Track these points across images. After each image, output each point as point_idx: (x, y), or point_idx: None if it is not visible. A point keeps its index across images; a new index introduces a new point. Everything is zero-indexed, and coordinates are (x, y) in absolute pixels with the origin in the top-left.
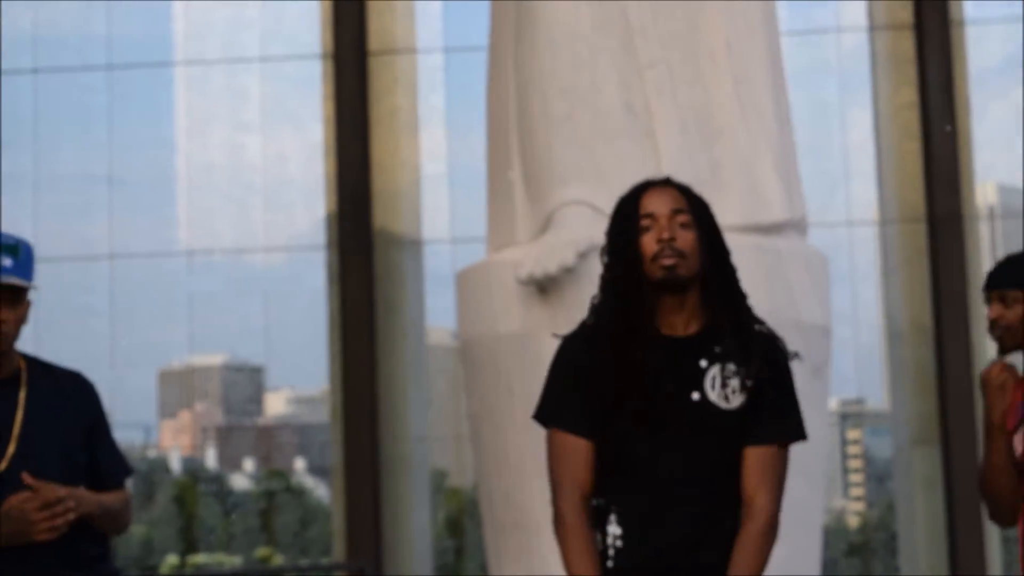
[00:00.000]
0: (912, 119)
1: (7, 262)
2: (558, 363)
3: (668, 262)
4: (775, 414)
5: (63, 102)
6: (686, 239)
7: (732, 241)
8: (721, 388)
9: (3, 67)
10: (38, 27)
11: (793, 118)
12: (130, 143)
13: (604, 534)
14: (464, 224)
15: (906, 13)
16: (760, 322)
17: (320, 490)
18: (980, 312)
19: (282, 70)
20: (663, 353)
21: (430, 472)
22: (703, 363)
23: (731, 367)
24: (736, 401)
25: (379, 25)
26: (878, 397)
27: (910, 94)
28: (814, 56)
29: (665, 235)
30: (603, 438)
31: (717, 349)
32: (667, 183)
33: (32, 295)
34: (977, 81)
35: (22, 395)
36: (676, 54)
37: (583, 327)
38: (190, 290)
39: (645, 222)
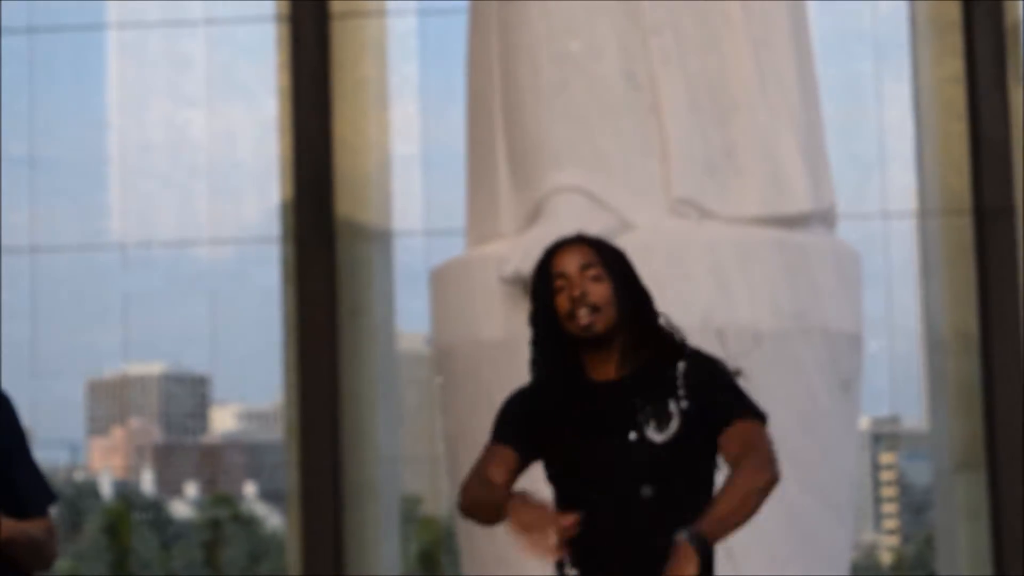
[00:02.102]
0: (957, 95)
1: None
2: (501, 420)
3: (584, 321)
4: (726, 397)
5: None
6: (598, 292)
7: (749, 235)
8: (656, 422)
9: None
10: None
11: (821, 93)
12: (54, 119)
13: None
14: (440, 214)
15: None
16: (692, 351)
17: (273, 519)
18: None
19: (231, 35)
20: (597, 399)
21: (400, 498)
22: (637, 402)
23: (660, 401)
24: (670, 432)
25: None
26: (916, 416)
27: (955, 66)
28: (845, 22)
29: (576, 292)
30: (555, 487)
31: (649, 386)
32: (578, 239)
33: None
34: None
35: None
36: (686, 17)
37: (527, 385)
38: (124, 289)
39: (559, 283)
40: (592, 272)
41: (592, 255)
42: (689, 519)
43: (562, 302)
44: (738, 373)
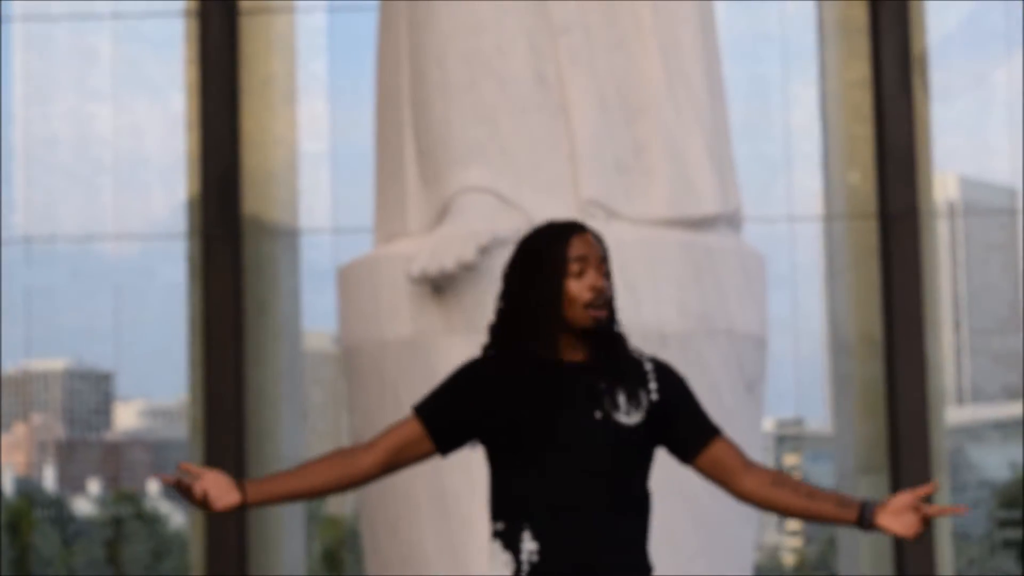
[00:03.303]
0: (864, 98)
1: None
2: (458, 376)
3: (599, 314)
4: (704, 412)
5: None
6: (610, 288)
7: (656, 236)
8: (624, 405)
9: None
10: None
11: (728, 94)
12: None
13: (517, 551)
14: (347, 212)
15: None
16: (650, 355)
17: (176, 517)
18: (937, 322)
19: (138, 29)
20: (566, 376)
21: None
22: (602, 384)
23: (629, 387)
24: (635, 418)
25: None
26: (820, 417)
27: (862, 69)
28: (753, 23)
29: (600, 284)
30: (508, 461)
31: (613, 371)
32: (584, 228)
33: None
34: (939, 55)
35: None
36: (595, 16)
37: (487, 353)
38: (27, 283)
39: (574, 267)
40: (604, 267)
41: (603, 249)
42: (636, 496)
43: (580, 289)
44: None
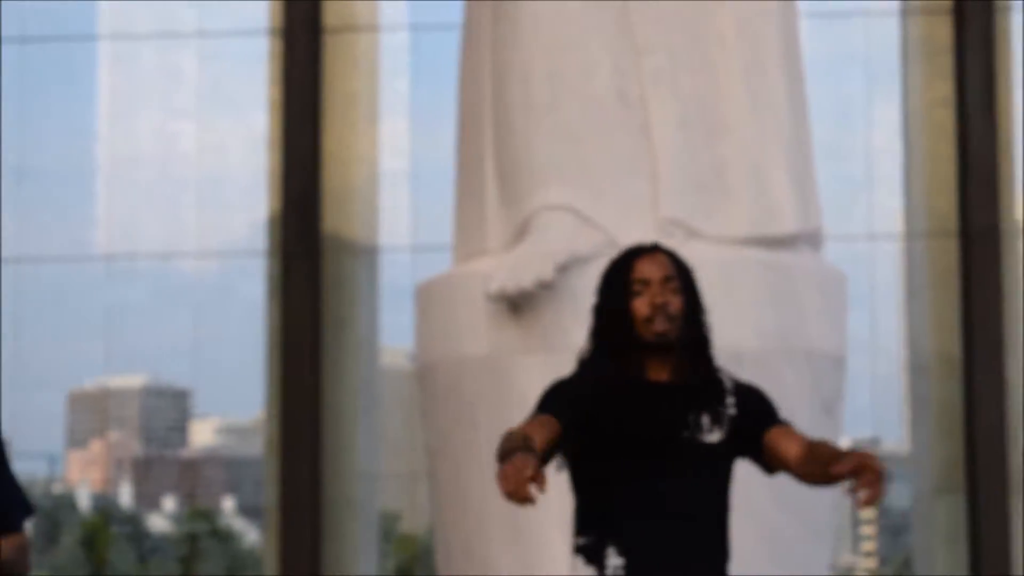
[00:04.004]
0: (946, 118)
1: None
2: (556, 392)
3: (660, 327)
4: (773, 412)
5: None
6: (676, 304)
7: (736, 256)
8: (707, 423)
9: None
10: None
11: (811, 114)
12: (43, 129)
13: (603, 567)
14: (427, 230)
15: None
16: (731, 374)
17: (251, 534)
18: (1016, 342)
19: (223, 48)
20: (654, 397)
21: (379, 514)
22: (685, 403)
23: (710, 405)
24: (717, 435)
25: None
26: (896, 438)
27: (945, 89)
28: (837, 43)
29: (659, 300)
30: (594, 477)
31: (698, 393)
32: (656, 249)
33: None
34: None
35: None
36: (678, 37)
37: (578, 374)
38: (108, 301)
39: (638, 287)
40: (672, 284)
41: (671, 268)
42: (718, 512)
43: (641, 306)
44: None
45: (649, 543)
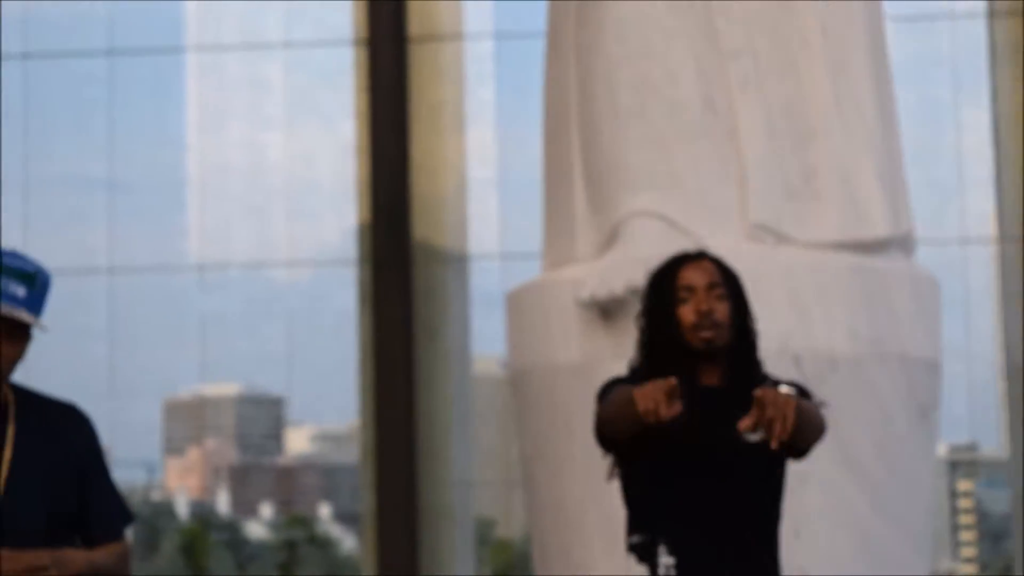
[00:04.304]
0: None
1: (19, 292)
2: (607, 388)
3: (707, 334)
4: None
5: (56, 93)
6: (722, 310)
7: (827, 261)
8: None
9: None
10: (28, 6)
11: (899, 117)
12: (133, 141)
13: (654, 565)
14: (516, 237)
15: None
16: (777, 380)
17: (348, 541)
18: None
19: (309, 57)
20: (699, 399)
21: (475, 521)
22: (731, 407)
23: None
24: (759, 435)
25: (421, 7)
26: (994, 443)
27: None
28: (924, 46)
29: (704, 307)
30: (645, 477)
31: (743, 395)
32: (702, 256)
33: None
34: None
35: (10, 431)
36: (764, 41)
37: (631, 375)
38: (201, 310)
39: (683, 294)
40: (717, 291)
41: (717, 275)
42: (766, 512)
43: (687, 314)
44: (823, 404)
45: (699, 542)
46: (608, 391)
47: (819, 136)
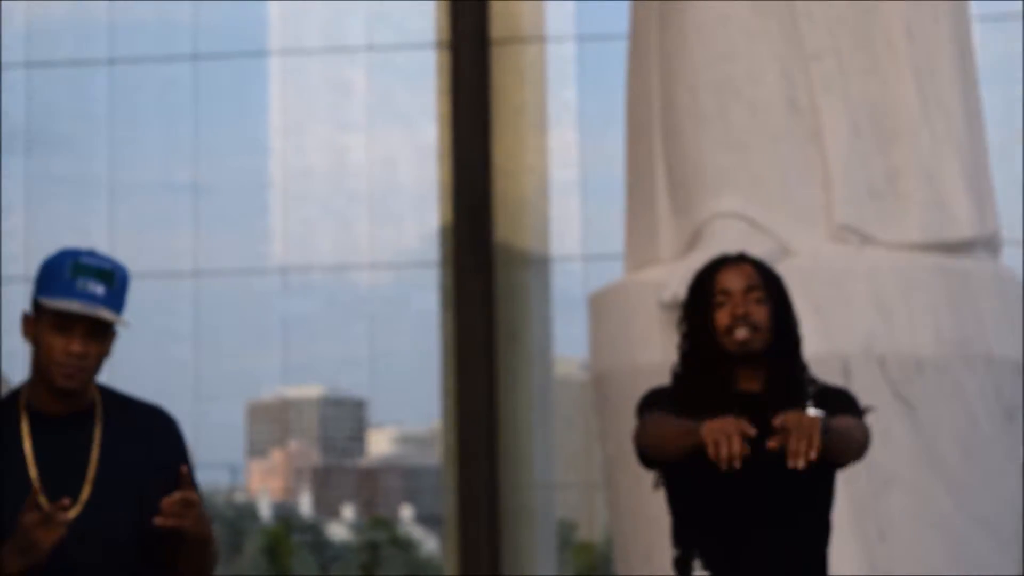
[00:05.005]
0: None
1: (99, 290)
2: (646, 404)
3: (742, 336)
4: (846, 408)
5: (142, 97)
6: (760, 314)
7: (911, 261)
8: None
9: (74, 57)
10: (114, 11)
11: (985, 117)
12: (218, 145)
13: None
14: (598, 239)
15: None
16: (824, 385)
17: (430, 542)
18: None
19: (391, 61)
20: (741, 407)
21: (557, 524)
22: (770, 412)
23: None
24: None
25: (503, 9)
26: None
27: None
28: (1010, 46)
29: (739, 311)
30: (684, 488)
31: (782, 402)
32: (742, 259)
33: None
34: None
35: (97, 432)
36: (847, 41)
37: (669, 387)
38: (284, 312)
39: (720, 298)
40: (755, 295)
41: (756, 278)
42: (808, 524)
43: (722, 317)
44: (869, 409)
45: (736, 556)
46: (651, 404)
47: (904, 137)
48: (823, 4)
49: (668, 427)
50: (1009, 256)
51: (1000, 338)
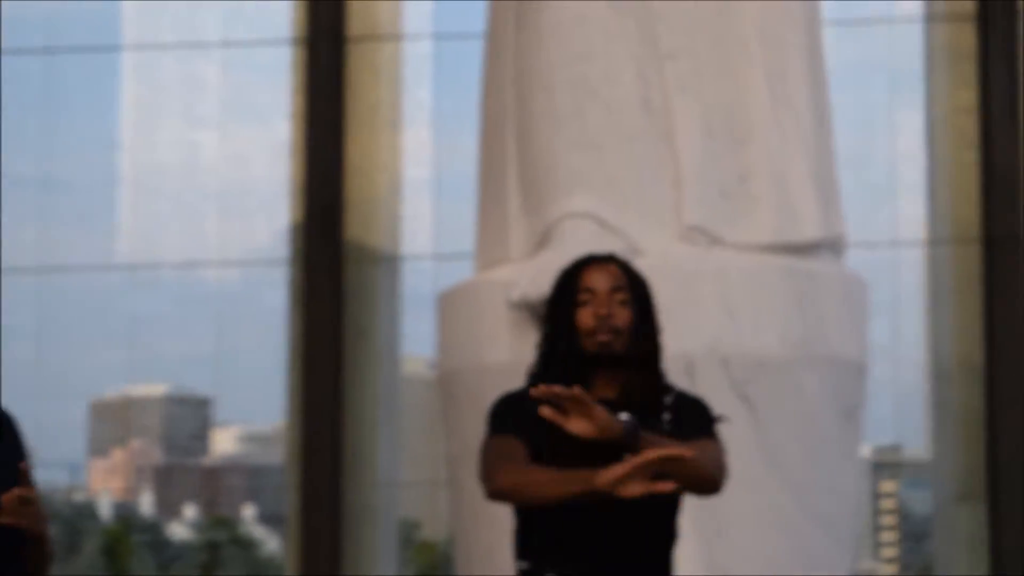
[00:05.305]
0: (970, 125)
1: None
2: (497, 417)
3: (604, 338)
4: (702, 426)
5: None
6: (622, 316)
7: (759, 263)
8: None
9: None
10: None
11: (834, 121)
12: (67, 140)
13: None
14: (449, 238)
15: (967, 4)
16: (679, 390)
17: (272, 542)
18: None
19: (246, 57)
20: None
21: (399, 523)
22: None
23: (649, 423)
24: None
25: (360, 7)
26: (918, 445)
27: (969, 96)
28: (860, 50)
29: (603, 311)
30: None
31: (638, 410)
32: (609, 259)
33: None
34: None
35: None
36: (702, 44)
37: (523, 391)
38: (130, 310)
39: (584, 296)
40: (620, 296)
41: (622, 279)
42: (660, 534)
43: (586, 317)
44: (722, 418)
45: (589, 568)
46: (502, 418)
47: (754, 139)
48: (679, 6)
49: (539, 476)
50: (853, 258)
51: (842, 339)
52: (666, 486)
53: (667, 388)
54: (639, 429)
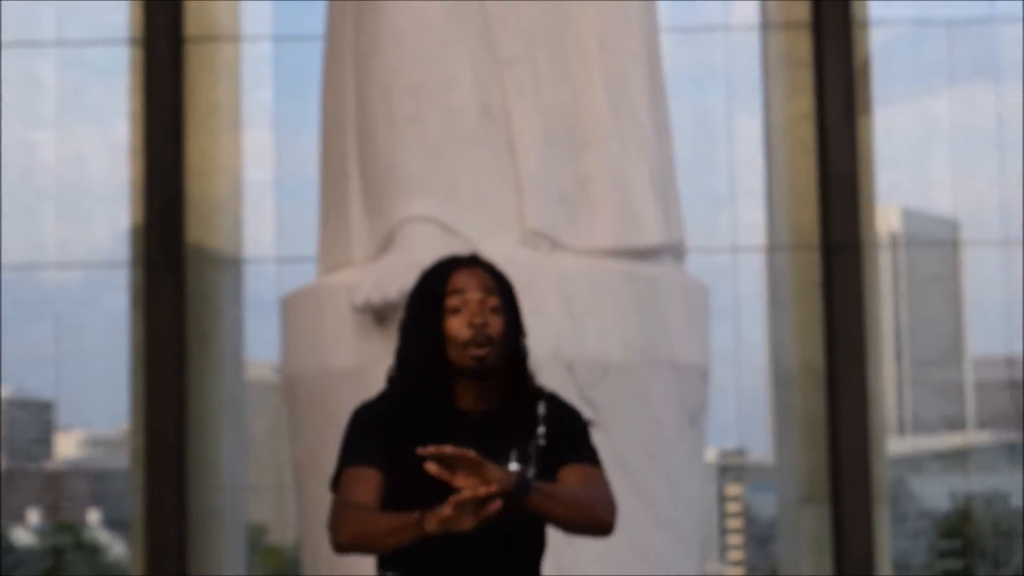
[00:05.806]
0: (807, 131)
1: None
2: (355, 430)
3: (479, 352)
4: (577, 443)
5: None
6: (496, 326)
7: (600, 267)
8: (515, 459)
9: None
10: None
11: (673, 127)
12: None
13: None
14: (292, 241)
15: (803, 11)
16: (550, 394)
17: (117, 547)
18: (878, 353)
19: (83, 56)
20: (465, 430)
21: (246, 527)
22: (501, 438)
23: (519, 438)
24: (529, 472)
25: (198, 7)
26: (762, 448)
27: (805, 103)
28: (698, 57)
29: (478, 320)
30: (400, 510)
31: (514, 423)
32: (475, 261)
33: None
34: (881, 89)
35: None
36: (541, 50)
37: (382, 399)
38: None
39: (454, 301)
40: (492, 302)
41: (492, 283)
42: (530, 547)
43: (458, 327)
44: (592, 423)
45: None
46: (357, 436)
47: (594, 144)
48: (517, 11)
49: (376, 524)
50: (694, 264)
51: (685, 344)
52: (495, 506)
53: (538, 393)
54: (530, 483)
